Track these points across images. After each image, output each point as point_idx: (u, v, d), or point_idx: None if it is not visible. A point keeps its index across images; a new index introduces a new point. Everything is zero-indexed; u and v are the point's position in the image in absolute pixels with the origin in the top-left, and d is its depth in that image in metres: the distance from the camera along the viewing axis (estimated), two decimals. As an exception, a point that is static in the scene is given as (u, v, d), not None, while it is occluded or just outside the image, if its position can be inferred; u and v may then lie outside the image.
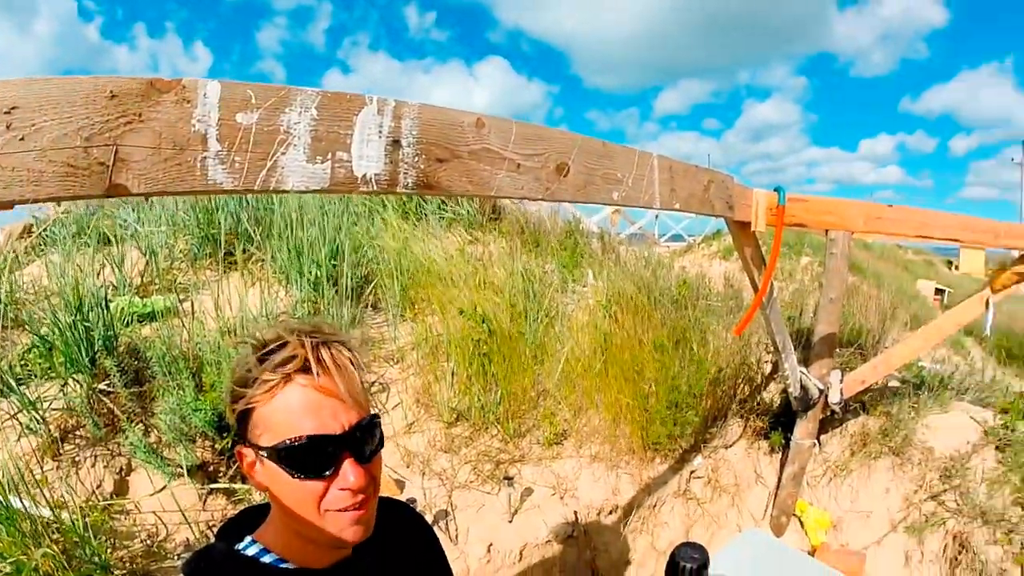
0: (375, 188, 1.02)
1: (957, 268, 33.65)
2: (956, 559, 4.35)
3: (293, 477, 0.99)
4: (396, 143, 1.01)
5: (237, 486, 3.14)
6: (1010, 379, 6.46)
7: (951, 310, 4.26)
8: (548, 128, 1.27)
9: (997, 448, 4.82)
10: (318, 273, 4.20)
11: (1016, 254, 4.00)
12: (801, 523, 4.48)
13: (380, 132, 0.99)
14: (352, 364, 1.04)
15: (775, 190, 2.42)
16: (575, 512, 3.78)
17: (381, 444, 1.10)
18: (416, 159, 1.04)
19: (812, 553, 4.34)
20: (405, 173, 1.03)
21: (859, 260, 13.50)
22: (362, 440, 1.04)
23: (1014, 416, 5.01)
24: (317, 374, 0.98)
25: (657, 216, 20.34)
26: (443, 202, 5.95)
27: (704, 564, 1.82)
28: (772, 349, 4.97)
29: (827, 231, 3.51)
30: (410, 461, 3.69)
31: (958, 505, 4.53)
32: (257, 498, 3.04)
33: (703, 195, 1.84)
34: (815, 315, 4.27)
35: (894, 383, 5.39)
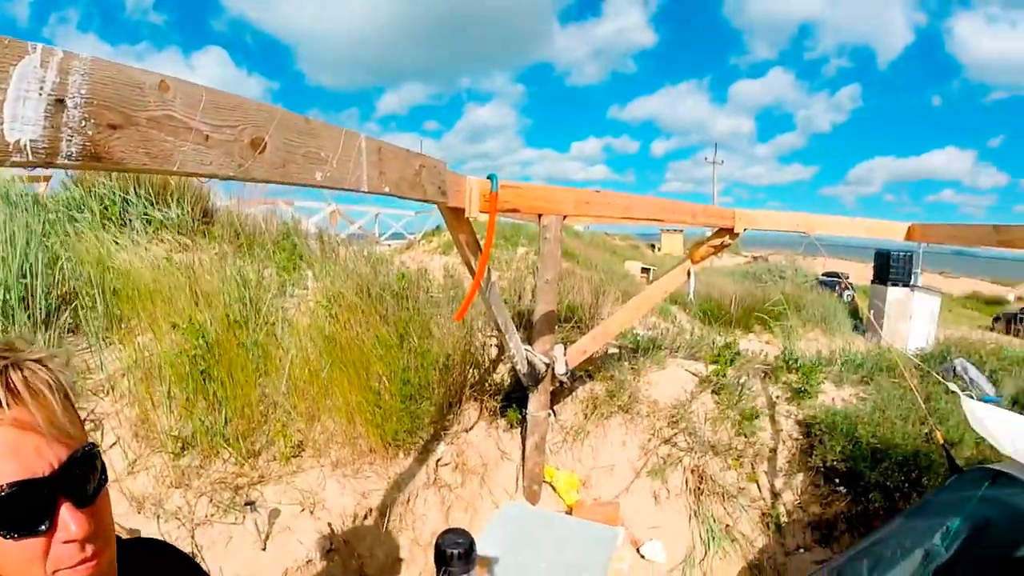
0: (30, 158, 0.81)
1: (659, 250, 38.34)
2: (699, 488, 4.93)
3: (5, 538, 0.78)
4: (60, 103, 0.82)
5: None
6: (713, 335, 7.33)
7: (658, 281, 4.72)
8: (244, 98, 1.13)
9: (713, 392, 5.51)
10: (5, 296, 3.64)
11: (710, 231, 4.51)
12: (553, 488, 4.71)
13: (41, 89, 0.80)
14: (53, 387, 0.83)
15: (488, 177, 2.46)
16: (329, 524, 3.64)
17: (105, 479, 0.90)
18: (83, 124, 0.85)
19: (569, 512, 4.59)
20: (69, 140, 0.83)
21: (571, 247, 14.67)
22: (80, 478, 0.85)
23: (722, 365, 5.76)
24: (8, 405, 0.79)
25: (378, 216, 20.43)
26: (151, 203, 5.41)
27: (470, 546, 1.81)
28: (494, 333, 5.18)
29: (540, 217, 3.68)
30: (140, 505, 3.30)
31: (689, 444, 5.12)
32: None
33: (414, 179, 1.79)
34: (534, 297, 4.49)
35: (614, 350, 5.89)
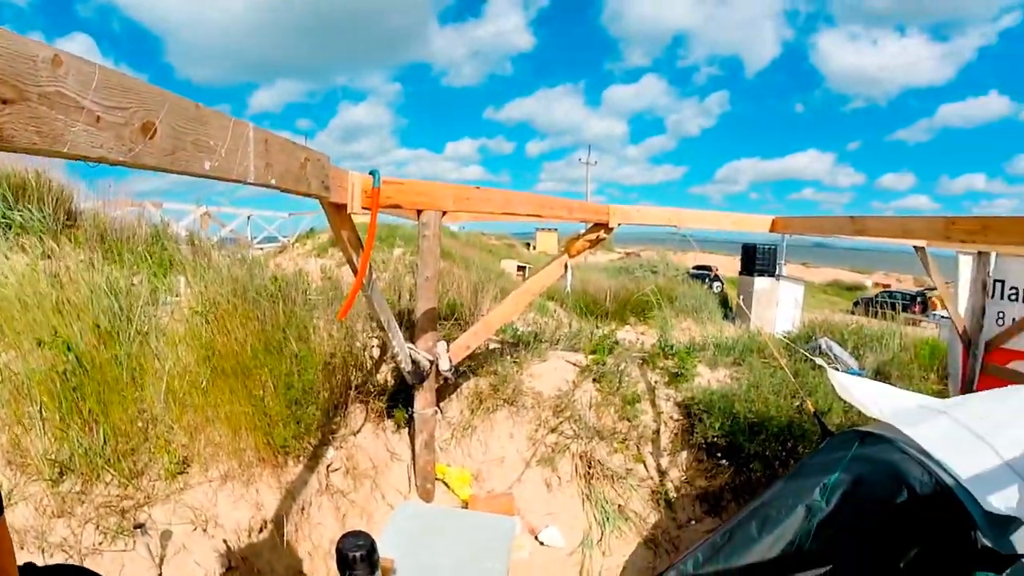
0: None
1: (535, 248, 39.09)
2: (589, 473, 5.14)
3: None
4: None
5: None
6: (591, 328, 7.59)
7: (537, 274, 4.87)
8: (137, 79, 1.09)
9: (594, 380, 5.76)
10: None
11: (585, 227, 4.73)
12: (446, 485, 4.79)
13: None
14: None
15: (370, 173, 2.50)
16: (225, 541, 3.56)
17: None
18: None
19: (465, 507, 4.68)
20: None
21: (447, 247, 14.78)
22: None
23: (601, 354, 6.03)
24: None
25: (250, 218, 19.81)
26: (9, 205, 5.09)
27: (372, 547, 1.85)
28: (377, 332, 5.22)
29: (419, 215, 3.76)
30: (21, 540, 3.14)
31: (575, 431, 5.33)
32: None
33: (299, 172, 1.81)
34: (413, 296, 4.55)
35: (495, 345, 6.03)
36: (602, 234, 4.58)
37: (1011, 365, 6.20)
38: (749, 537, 3.70)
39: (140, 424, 3.74)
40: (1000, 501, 2.81)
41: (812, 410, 4.73)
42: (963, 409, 3.72)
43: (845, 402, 5.26)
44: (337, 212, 2.47)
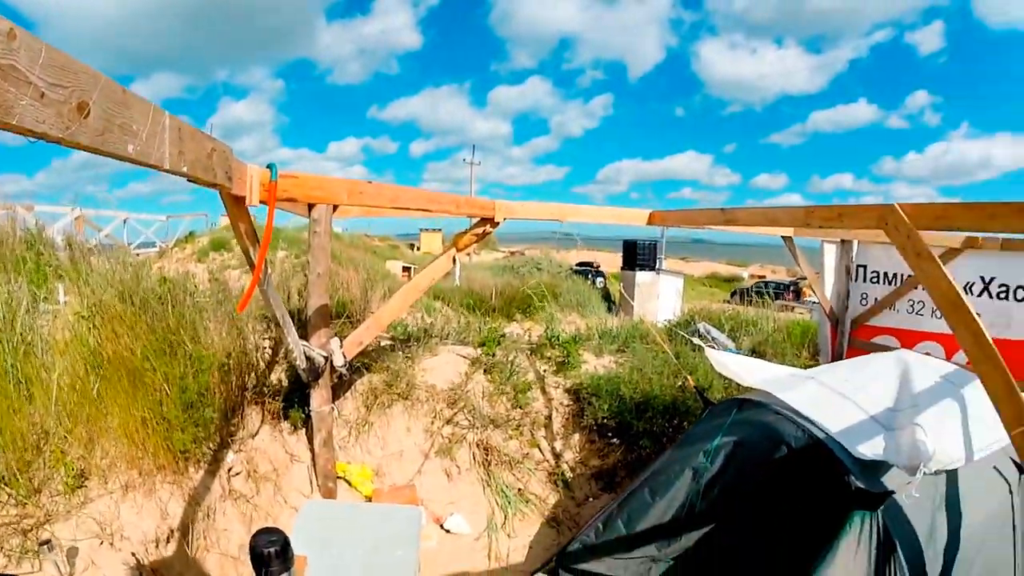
0: None
1: (419, 249, 38.99)
2: (487, 460, 5.40)
3: None
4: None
5: None
6: (478, 322, 7.83)
7: (426, 268, 5.03)
8: (75, 60, 1.15)
9: (485, 371, 6.03)
10: None
11: (472, 221, 4.92)
12: (348, 482, 4.91)
13: None
14: None
15: (268, 167, 2.60)
16: (134, 554, 3.54)
17: None
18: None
19: (368, 502, 4.77)
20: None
21: (332, 248, 14.61)
22: None
23: (490, 346, 6.28)
24: None
25: (126, 221, 18.93)
26: None
27: (286, 542, 1.96)
28: (268, 333, 5.26)
29: (311, 211, 3.87)
30: (-82, 571, 3.05)
31: (470, 421, 5.57)
32: None
33: (207, 161, 1.90)
34: (302, 295, 4.62)
35: (387, 342, 6.19)
36: (488, 228, 4.80)
37: (875, 340, 6.99)
38: (644, 503, 4.06)
39: (33, 438, 3.66)
40: (868, 449, 3.25)
41: (693, 385, 5.18)
42: (829, 375, 4.23)
43: (724, 379, 5.76)
44: (236, 204, 2.55)
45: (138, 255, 13.72)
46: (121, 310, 4.29)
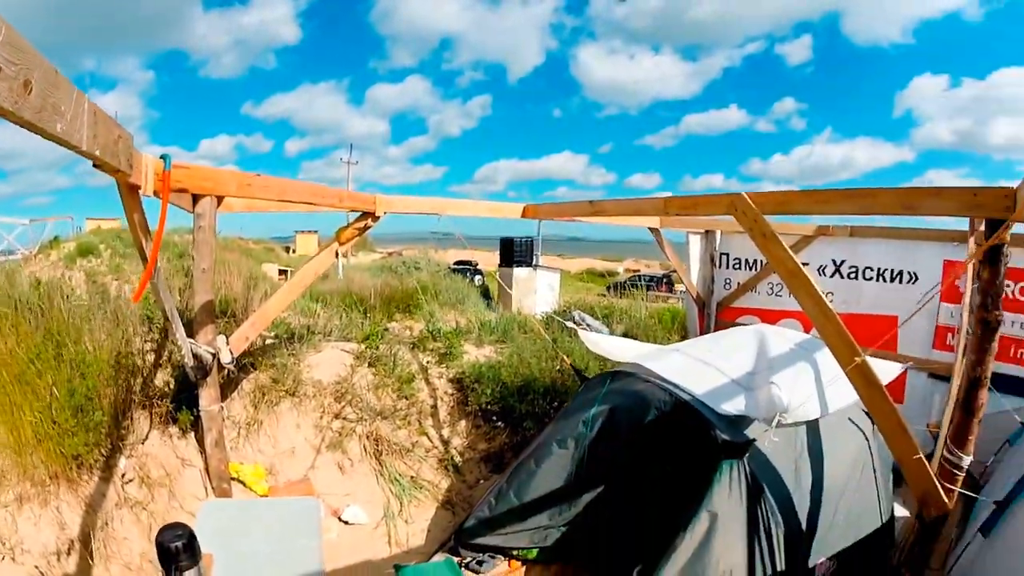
0: None
1: (294, 251, 38.07)
2: (378, 451, 5.61)
3: None
4: None
5: None
6: (359, 319, 7.96)
7: (309, 262, 5.16)
8: (24, 39, 1.23)
9: (370, 365, 6.25)
10: None
11: (354, 215, 5.09)
12: (243, 483, 4.97)
13: None
14: None
15: (161, 157, 2.70)
16: (36, 568, 3.51)
17: None
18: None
19: None
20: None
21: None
22: None
23: (374, 340, 6.48)
24: None
25: None
26: None
27: (191, 536, 1.98)
28: (150, 337, 5.24)
29: (195, 205, 3.93)
30: None
31: (358, 415, 5.76)
32: None
33: (115, 147, 2.01)
34: (183, 295, 4.62)
35: (271, 340, 6.27)
36: (370, 222, 4.99)
37: (740, 320, 7.82)
38: (531, 474, 4.42)
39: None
40: (730, 406, 3.76)
41: (569, 362, 5.58)
42: (693, 347, 4.76)
43: (599, 359, 6.19)
44: (131, 194, 2.65)
45: (4, 261, 12.84)
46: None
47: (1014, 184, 2.59)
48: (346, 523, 5.06)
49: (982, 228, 2.87)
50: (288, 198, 4.01)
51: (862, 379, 3.11)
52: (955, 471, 3.12)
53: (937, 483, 3.11)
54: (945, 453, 3.16)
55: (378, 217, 5.00)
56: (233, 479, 4.88)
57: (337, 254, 5.17)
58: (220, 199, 4.16)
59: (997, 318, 2.87)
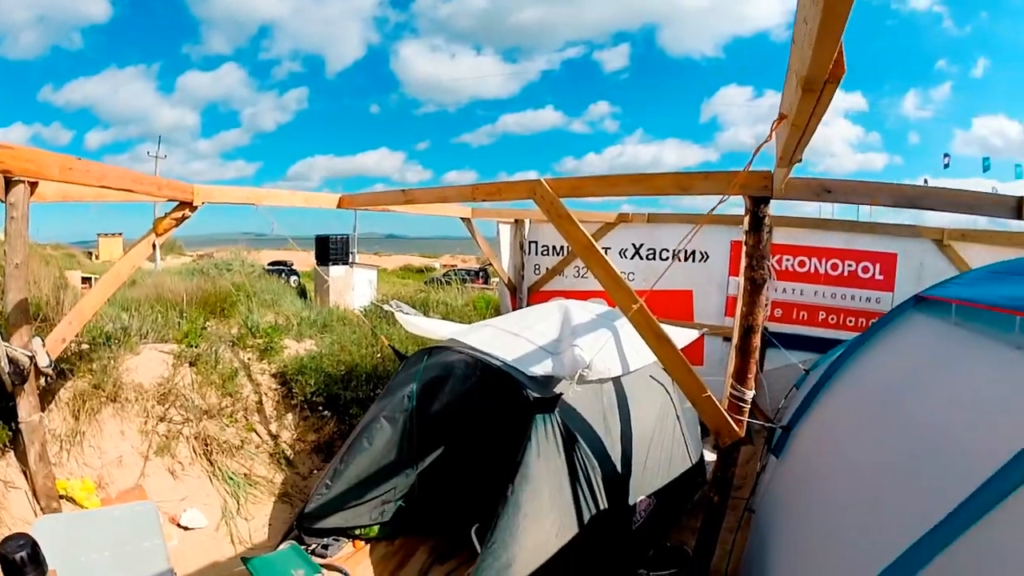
0: None
1: (98, 257, 35.34)
2: (208, 451, 5.71)
3: None
4: None
5: None
6: (175, 319, 7.75)
7: (126, 256, 5.14)
8: None
9: (191, 364, 6.28)
10: None
11: (173, 204, 5.08)
12: (73, 500, 4.83)
13: None
14: None
15: None
16: None
17: None
18: None
19: None
20: None
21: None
22: None
23: (193, 338, 6.49)
24: None
25: None
26: None
27: (35, 545, 1.96)
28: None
29: (7, 194, 3.80)
30: None
31: (184, 416, 5.80)
32: None
33: None
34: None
35: (87, 347, 6.14)
36: (187, 212, 5.05)
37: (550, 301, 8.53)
38: (362, 451, 4.83)
39: None
40: (539, 369, 4.35)
41: (387, 343, 5.96)
42: (503, 321, 5.38)
43: (417, 342, 6.60)
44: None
45: None
46: None
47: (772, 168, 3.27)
48: (186, 528, 5.09)
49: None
50: (108, 184, 3.98)
51: (645, 324, 3.74)
52: (741, 404, 3.76)
53: (727, 415, 3.74)
54: (731, 390, 3.78)
55: (196, 207, 5.08)
56: (62, 497, 4.72)
57: (155, 245, 5.16)
58: (34, 187, 4.04)
59: (762, 276, 3.59)
